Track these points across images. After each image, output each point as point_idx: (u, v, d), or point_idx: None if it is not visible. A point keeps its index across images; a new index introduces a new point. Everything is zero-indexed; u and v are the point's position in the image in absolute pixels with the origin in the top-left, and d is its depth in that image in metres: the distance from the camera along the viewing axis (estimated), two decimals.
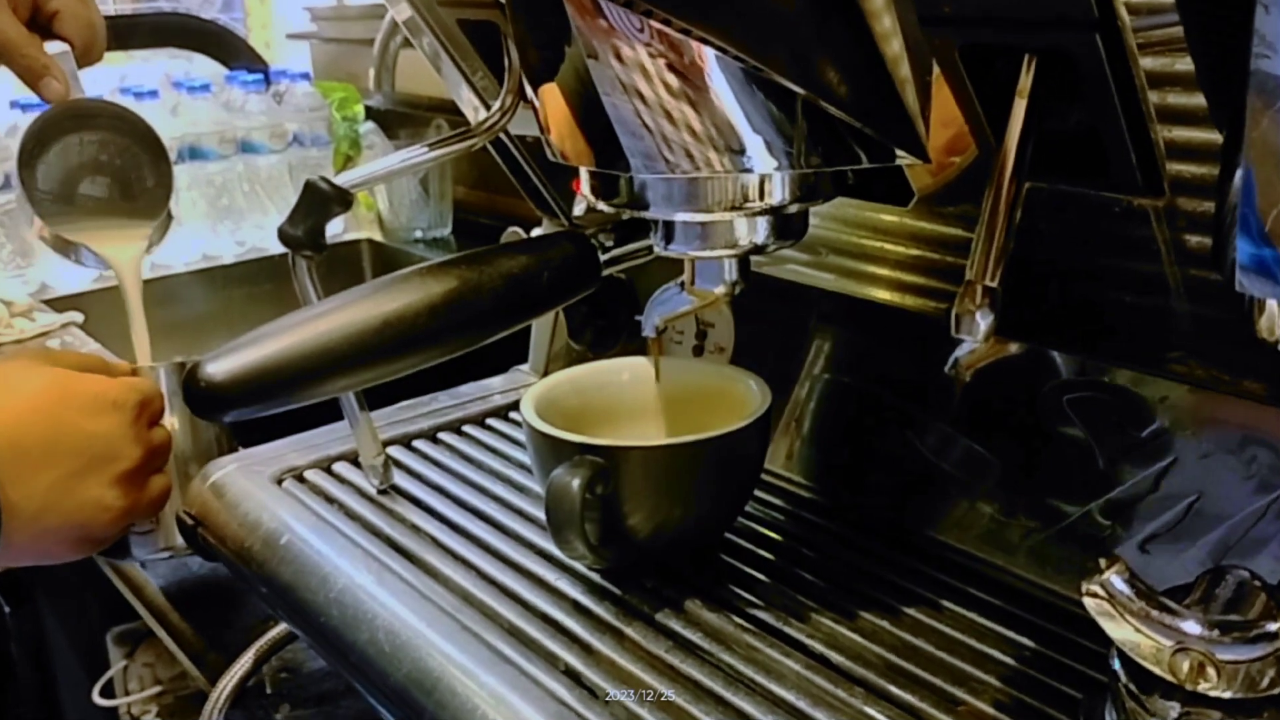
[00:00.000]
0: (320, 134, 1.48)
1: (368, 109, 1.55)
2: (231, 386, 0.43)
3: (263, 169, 1.43)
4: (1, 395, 0.62)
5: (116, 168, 0.78)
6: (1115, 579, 0.38)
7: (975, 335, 0.42)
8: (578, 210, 0.67)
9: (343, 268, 1.45)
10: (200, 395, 0.43)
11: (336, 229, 1.49)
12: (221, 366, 0.43)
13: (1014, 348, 0.55)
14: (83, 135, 0.77)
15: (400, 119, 1.52)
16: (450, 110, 1.31)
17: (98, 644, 1.03)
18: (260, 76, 1.47)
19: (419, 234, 1.43)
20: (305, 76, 1.51)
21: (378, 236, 1.48)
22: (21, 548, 0.62)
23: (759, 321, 0.66)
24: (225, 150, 1.41)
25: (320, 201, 0.57)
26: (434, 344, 0.48)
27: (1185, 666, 0.37)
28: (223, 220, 1.42)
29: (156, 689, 0.96)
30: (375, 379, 0.47)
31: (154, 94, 1.39)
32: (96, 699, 0.94)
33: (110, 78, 1.47)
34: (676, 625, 0.52)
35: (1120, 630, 0.38)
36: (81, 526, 0.64)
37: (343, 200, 0.57)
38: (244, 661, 0.70)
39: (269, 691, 0.72)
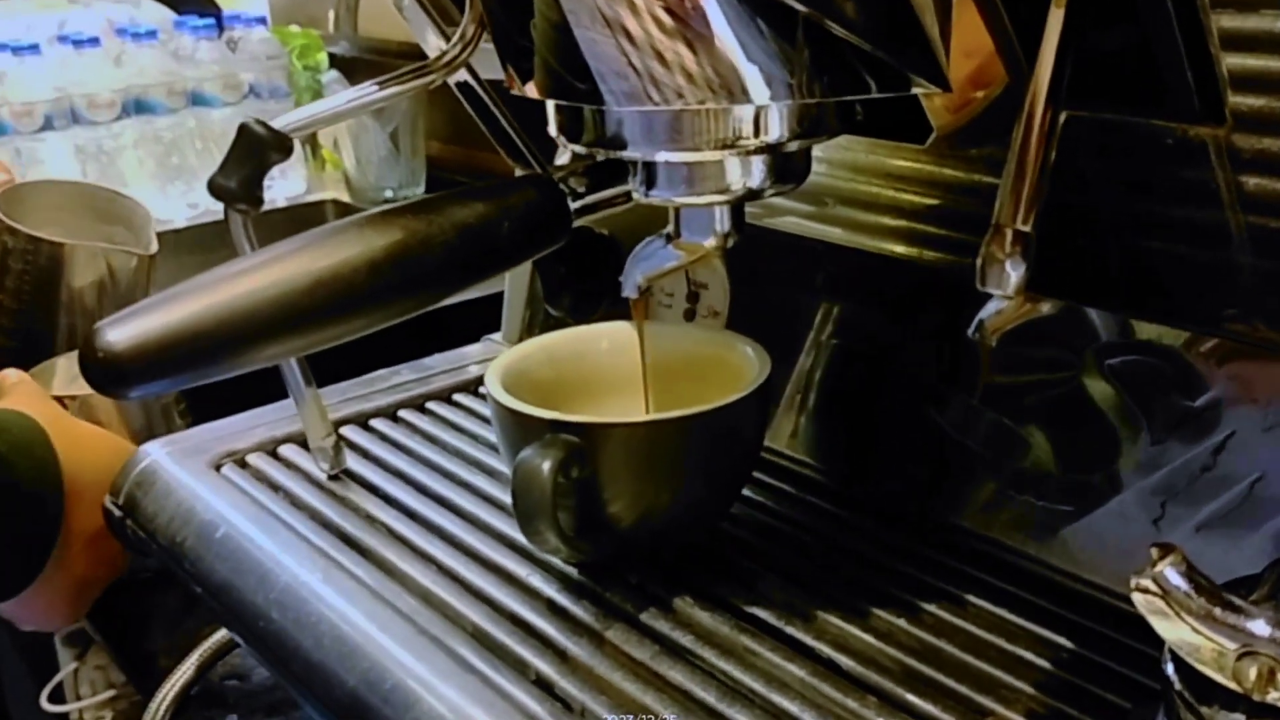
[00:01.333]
0: (279, 84, 1.48)
1: (331, 57, 1.55)
2: (134, 357, 0.40)
3: (216, 124, 1.43)
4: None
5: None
6: (1170, 572, 0.37)
7: (1005, 288, 0.41)
8: (561, 160, 0.65)
9: None
10: (98, 368, 0.40)
11: (299, 189, 1.50)
12: (123, 333, 0.40)
13: (1047, 307, 0.53)
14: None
15: (367, 67, 1.51)
16: (423, 57, 1.29)
17: (45, 646, 1.02)
18: (212, 22, 1.47)
19: (389, 193, 1.43)
20: (261, 21, 1.51)
21: (344, 197, 1.47)
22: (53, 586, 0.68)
23: (758, 281, 0.65)
24: (174, 103, 1.41)
25: (256, 147, 0.55)
26: (376, 305, 0.46)
27: (1252, 673, 0.35)
28: (173, 181, 1.42)
29: (110, 694, 0.96)
30: (308, 347, 0.45)
31: (95, 42, 1.38)
32: (45, 705, 0.95)
33: (48, 25, 1.45)
34: (663, 627, 0.50)
35: (1175, 630, 0.37)
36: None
37: (281, 146, 0.56)
38: (186, 668, 0.69)
39: (213, 701, 0.70)
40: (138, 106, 1.39)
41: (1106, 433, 0.52)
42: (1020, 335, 0.54)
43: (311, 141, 1.54)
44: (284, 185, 1.46)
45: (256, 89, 1.46)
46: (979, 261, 0.42)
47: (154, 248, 0.90)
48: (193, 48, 1.43)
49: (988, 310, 0.54)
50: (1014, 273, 0.42)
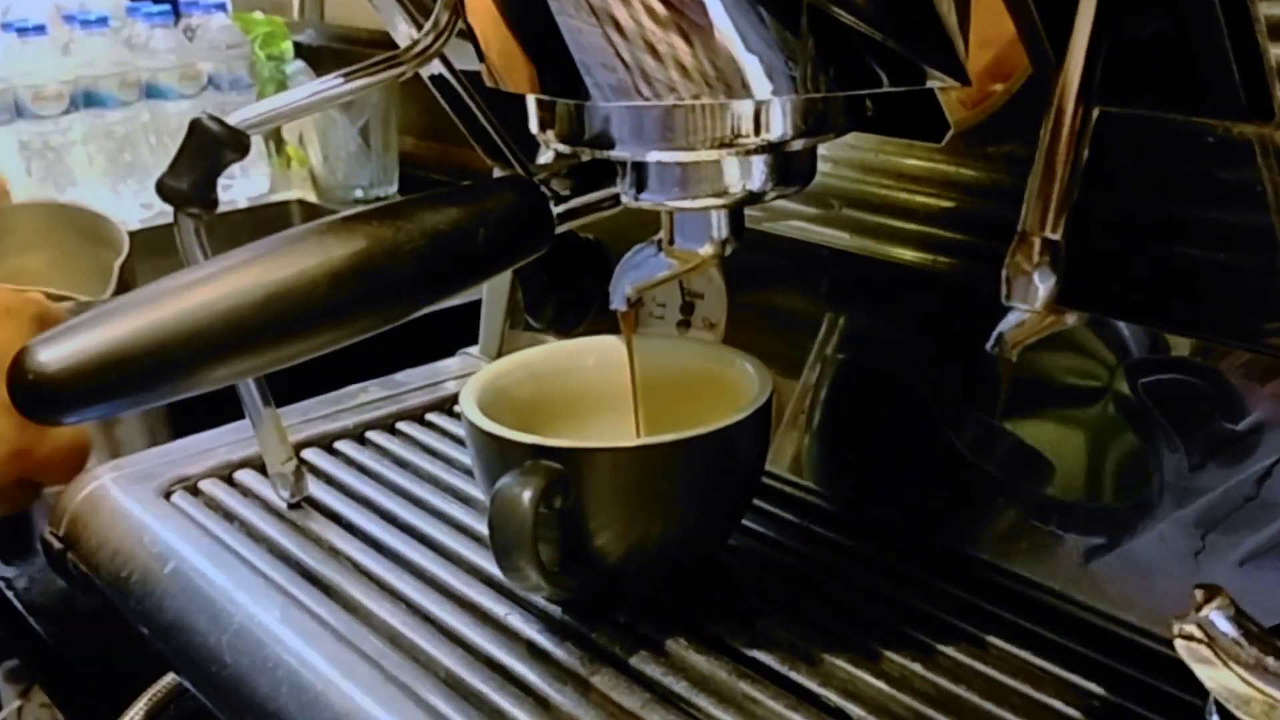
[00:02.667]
0: (241, 75, 1.48)
1: (297, 46, 1.56)
2: (69, 380, 0.39)
3: (172, 117, 1.43)
4: None
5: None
6: (1217, 616, 0.36)
7: (1032, 302, 0.42)
8: (544, 159, 0.65)
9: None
10: (27, 391, 0.39)
11: (261, 188, 1.50)
12: (57, 352, 0.39)
13: (1072, 319, 0.52)
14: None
15: (335, 56, 1.52)
16: (394, 47, 1.29)
17: None
18: (168, 8, 1.47)
19: (359, 193, 1.44)
20: (221, 8, 1.51)
21: (311, 197, 1.48)
22: None
23: (759, 290, 0.65)
24: (127, 96, 1.41)
25: (209, 145, 0.55)
26: (337, 322, 0.45)
27: None
28: (125, 179, 1.42)
29: None
30: (262, 367, 0.44)
31: (41, 29, 1.38)
32: None
33: None
34: (655, 672, 0.50)
35: (1222, 680, 0.36)
36: None
37: (237, 144, 0.56)
38: (134, 713, 0.68)
39: None
40: (87, 99, 1.39)
41: (1139, 457, 0.51)
42: (1044, 349, 0.54)
43: (276, 137, 1.54)
44: (245, 184, 1.46)
45: (216, 80, 1.46)
46: (1004, 273, 0.42)
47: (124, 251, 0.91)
48: (147, 36, 1.43)
49: (1008, 322, 0.53)
50: (1042, 285, 0.42)
